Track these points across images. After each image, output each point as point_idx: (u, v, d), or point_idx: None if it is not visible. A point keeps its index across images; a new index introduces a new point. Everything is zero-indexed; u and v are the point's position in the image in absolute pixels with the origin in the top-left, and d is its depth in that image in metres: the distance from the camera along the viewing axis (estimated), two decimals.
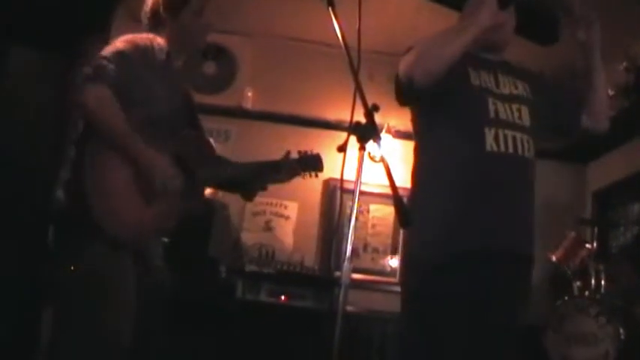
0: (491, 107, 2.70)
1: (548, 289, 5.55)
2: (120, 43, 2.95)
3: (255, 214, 5.90)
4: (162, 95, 3.05)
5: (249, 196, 3.51)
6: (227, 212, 5.62)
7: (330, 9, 2.50)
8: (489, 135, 2.65)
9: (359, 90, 2.31)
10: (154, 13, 3.14)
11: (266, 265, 5.36)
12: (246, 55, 6.25)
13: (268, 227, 5.89)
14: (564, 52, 5.53)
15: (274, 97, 6.14)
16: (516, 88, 2.83)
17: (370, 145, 2.27)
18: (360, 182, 2.30)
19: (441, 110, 2.76)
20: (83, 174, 2.83)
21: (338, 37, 2.39)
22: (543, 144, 2.87)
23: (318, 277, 5.40)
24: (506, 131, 2.68)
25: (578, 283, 4.69)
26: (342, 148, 2.24)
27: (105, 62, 2.86)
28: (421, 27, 5.63)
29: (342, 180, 2.46)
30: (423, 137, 2.87)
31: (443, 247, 2.57)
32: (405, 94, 2.76)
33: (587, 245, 4.75)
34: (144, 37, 3.04)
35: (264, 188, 3.48)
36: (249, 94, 6.11)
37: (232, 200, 5.42)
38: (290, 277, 5.20)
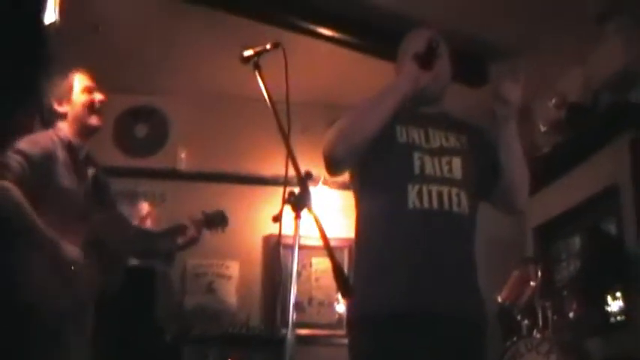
0: (417, 163, 2.65)
1: (496, 330, 5.53)
2: (21, 143, 3.11)
3: (197, 275, 5.79)
4: (69, 186, 3.20)
5: (167, 260, 3.71)
6: (168, 277, 5.52)
7: (256, 72, 2.53)
8: (412, 192, 2.60)
9: (291, 157, 2.30)
10: (51, 108, 3.34)
11: (211, 328, 5.25)
12: (177, 115, 6.21)
13: (211, 288, 5.77)
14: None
15: (208, 156, 6.08)
16: (447, 140, 2.76)
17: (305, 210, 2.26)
18: (298, 250, 2.27)
19: (369, 170, 2.71)
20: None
21: (267, 101, 2.42)
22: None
23: (264, 336, 5.30)
24: (432, 186, 2.62)
25: (526, 322, 4.67)
26: (277, 219, 2.23)
27: (8, 160, 3.02)
28: (354, 78, 5.68)
29: (279, 244, 2.43)
30: (356, 195, 2.82)
31: (370, 307, 2.49)
32: (332, 169, 2.71)
33: (532, 283, 4.75)
34: (44, 135, 3.25)
35: (178, 250, 3.77)
36: (183, 154, 6.04)
37: (173, 264, 5.32)
38: (236, 339, 5.14)
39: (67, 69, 3.44)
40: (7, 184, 2.98)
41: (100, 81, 5.79)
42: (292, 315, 2.21)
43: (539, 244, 5.99)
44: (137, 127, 6.18)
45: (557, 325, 4.47)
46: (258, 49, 2.58)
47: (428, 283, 2.52)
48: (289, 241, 2.31)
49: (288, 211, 2.27)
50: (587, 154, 5.14)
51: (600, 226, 5.13)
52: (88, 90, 3.41)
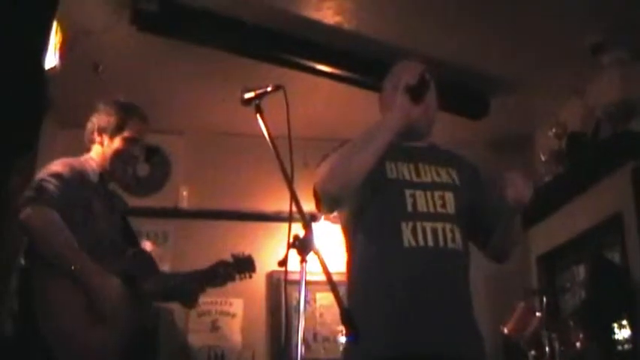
0: (409, 200, 2.61)
1: None
2: (55, 166, 3.07)
3: (201, 314, 5.74)
4: (101, 215, 3.15)
5: (190, 304, 3.67)
6: (172, 316, 5.49)
7: (258, 115, 2.49)
8: (406, 230, 2.56)
9: (295, 200, 2.26)
10: (97, 129, 3.31)
11: None
12: (178, 154, 6.21)
13: (215, 327, 5.73)
14: (493, 125, 5.69)
15: (210, 194, 6.08)
16: (438, 175, 2.73)
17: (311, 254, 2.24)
18: (304, 294, 2.25)
19: (361, 208, 2.68)
20: (34, 303, 2.84)
21: (269, 143, 2.39)
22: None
23: None
24: (425, 223, 2.58)
25: (532, 353, 4.64)
26: (282, 263, 2.21)
27: (44, 184, 2.95)
28: (352, 112, 5.70)
29: (285, 287, 2.39)
30: (348, 235, 2.78)
31: (372, 349, 2.41)
32: (324, 206, 2.69)
33: (538, 314, 4.73)
34: (77, 161, 3.19)
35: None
36: (185, 193, 6.04)
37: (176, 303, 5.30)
38: None
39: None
40: (46, 209, 2.91)
41: None
42: (301, 352, 2.21)
43: (543, 274, 5.97)
44: (138, 166, 6.18)
45: (564, 356, 4.44)
46: (259, 91, 2.53)
47: (429, 323, 2.47)
48: (293, 277, 2.31)
49: (292, 253, 2.25)
50: (589, 184, 5.14)
51: (605, 254, 5.11)
52: (132, 142, 3.35)
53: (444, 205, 2.65)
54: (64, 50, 4.15)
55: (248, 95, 2.55)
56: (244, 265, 3.73)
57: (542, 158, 5.42)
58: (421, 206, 2.61)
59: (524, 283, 5.88)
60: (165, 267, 5.69)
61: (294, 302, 5.14)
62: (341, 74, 4.95)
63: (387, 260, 2.57)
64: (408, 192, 2.63)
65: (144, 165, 6.17)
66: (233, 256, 3.71)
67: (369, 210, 2.65)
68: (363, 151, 2.56)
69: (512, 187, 2.58)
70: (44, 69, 3.67)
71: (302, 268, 2.23)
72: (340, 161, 2.61)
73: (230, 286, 5.71)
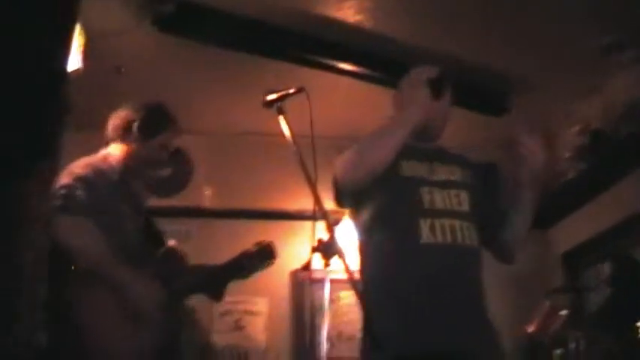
0: (426, 197, 2.65)
1: None
2: (78, 168, 2.99)
3: (224, 313, 5.75)
4: (129, 216, 3.11)
5: (217, 297, 3.54)
6: (195, 316, 5.49)
7: (280, 117, 2.52)
8: (425, 226, 2.58)
9: (319, 204, 2.27)
10: (127, 127, 3.19)
11: None
12: (200, 153, 6.22)
13: (238, 326, 5.73)
14: (514, 123, 5.65)
15: (232, 193, 6.08)
16: (453, 174, 2.78)
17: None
18: (329, 300, 2.27)
19: (377, 206, 2.70)
20: (72, 312, 2.80)
21: (291, 144, 2.45)
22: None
23: None
24: (443, 220, 2.61)
25: (557, 352, 4.61)
26: (306, 267, 2.23)
27: (72, 190, 2.87)
28: (372, 111, 5.67)
29: (310, 292, 2.42)
30: (364, 232, 2.79)
31: (388, 347, 2.34)
32: (342, 197, 2.73)
33: (562, 312, 4.70)
34: (97, 159, 3.11)
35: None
36: (207, 192, 6.05)
37: (199, 302, 5.30)
38: None
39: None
40: (76, 221, 2.83)
41: None
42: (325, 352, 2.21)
43: (567, 272, 5.92)
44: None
45: (589, 355, 4.41)
46: (281, 93, 2.57)
47: (445, 320, 2.49)
48: (317, 275, 2.31)
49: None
50: (613, 180, 5.10)
51: (630, 252, 5.06)
52: (166, 147, 3.33)
53: (459, 203, 2.69)
54: (87, 53, 4.17)
55: (270, 97, 2.58)
56: (266, 253, 3.59)
57: (566, 155, 5.38)
58: (439, 203, 2.65)
59: (547, 281, 5.85)
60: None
61: (319, 301, 5.15)
62: (361, 73, 4.94)
63: (405, 256, 2.59)
64: (424, 189, 2.66)
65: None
66: (255, 244, 3.62)
67: (386, 208, 2.67)
68: (383, 143, 2.60)
69: (526, 152, 2.70)
70: (66, 72, 3.70)
71: (326, 272, 2.24)
72: (360, 152, 2.65)
73: (254, 285, 5.75)
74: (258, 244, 3.59)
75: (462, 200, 2.70)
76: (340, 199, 2.74)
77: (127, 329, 2.89)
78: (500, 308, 5.76)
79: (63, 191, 2.88)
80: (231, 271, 3.52)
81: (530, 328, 4.81)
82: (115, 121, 3.28)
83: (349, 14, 4.51)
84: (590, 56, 4.76)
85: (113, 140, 3.24)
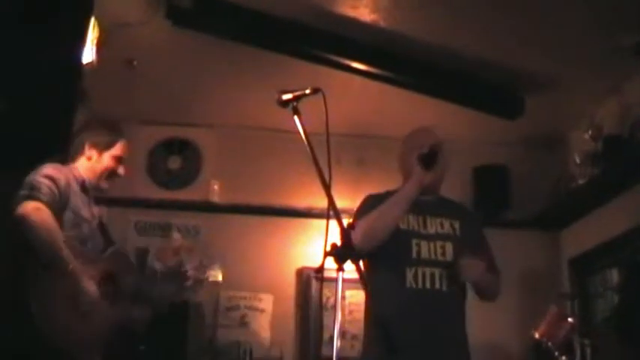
0: (414, 248, 3.21)
1: None
2: (47, 169, 3.24)
3: (230, 309, 5.75)
4: (86, 220, 3.37)
5: (159, 310, 3.84)
6: (201, 311, 5.50)
7: (295, 117, 2.57)
8: (409, 273, 3.16)
9: (333, 206, 2.40)
10: (82, 146, 3.53)
11: None
12: (210, 147, 6.22)
13: (243, 322, 5.72)
14: (528, 125, 5.63)
15: (241, 188, 6.07)
16: (442, 227, 3.32)
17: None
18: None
19: (377, 254, 3.17)
20: (29, 294, 2.99)
21: (305, 144, 2.50)
22: None
23: None
24: (425, 269, 3.18)
25: (564, 358, 4.58)
26: (319, 271, 2.37)
27: (38, 183, 3.13)
28: (386, 110, 5.68)
29: (321, 291, 2.54)
30: (367, 274, 3.16)
31: None
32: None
33: (570, 319, 4.66)
34: (64, 168, 3.39)
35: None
36: (216, 186, 6.04)
37: (206, 297, 5.31)
38: None
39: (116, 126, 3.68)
40: (40, 204, 3.07)
41: (133, 113, 5.90)
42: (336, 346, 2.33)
43: (575, 277, 5.89)
44: (170, 159, 6.20)
45: None
46: (297, 93, 2.63)
47: (423, 351, 3.01)
48: (327, 274, 2.32)
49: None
50: (624, 187, 5.06)
51: (639, 260, 5.03)
52: (119, 160, 3.60)
53: (443, 254, 3.24)
54: (101, 45, 4.16)
55: (286, 97, 2.64)
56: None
57: (577, 160, 5.35)
58: (424, 254, 3.21)
59: (555, 286, 5.83)
60: (195, 261, 5.71)
61: (324, 299, 5.13)
62: (375, 72, 4.92)
63: (392, 297, 3.08)
64: (414, 241, 3.23)
65: (175, 158, 6.19)
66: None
67: (383, 255, 3.19)
68: (388, 217, 3.19)
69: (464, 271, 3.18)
70: (82, 65, 3.73)
71: (338, 276, 2.27)
72: (371, 225, 3.16)
73: (260, 281, 5.77)
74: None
75: (446, 251, 3.24)
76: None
77: (75, 316, 3.09)
78: (507, 312, 5.80)
79: (30, 184, 3.13)
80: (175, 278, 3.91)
81: (537, 334, 4.77)
82: (76, 140, 3.58)
83: (364, 13, 4.49)
84: (607, 58, 4.73)
85: (79, 156, 3.54)
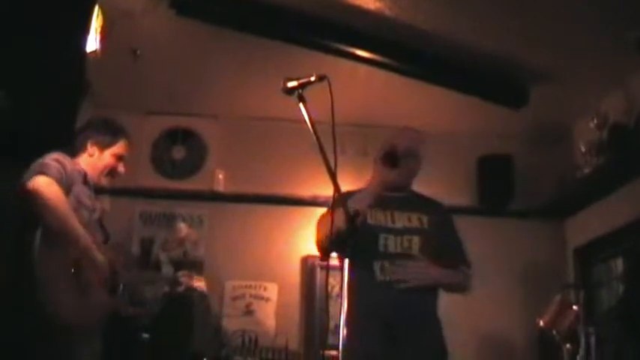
0: (382, 242, 3.32)
1: (537, 354, 5.45)
2: (53, 155, 3.32)
3: (235, 298, 5.76)
4: (87, 205, 3.45)
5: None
6: (207, 300, 5.50)
7: (300, 104, 2.57)
8: (377, 267, 3.27)
9: (339, 193, 2.46)
10: (85, 143, 3.63)
11: (250, 354, 5.19)
12: (214, 137, 6.22)
13: (249, 311, 5.74)
14: (533, 115, 5.62)
15: (246, 178, 6.07)
16: (410, 221, 3.43)
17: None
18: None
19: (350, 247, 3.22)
20: (34, 269, 3.04)
21: (311, 132, 2.52)
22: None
23: None
24: (393, 261, 3.28)
25: (568, 346, 4.58)
26: (324, 259, 2.44)
27: (48, 165, 3.21)
28: (391, 99, 5.67)
29: (326, 280, 2.60)
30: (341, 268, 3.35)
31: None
32: (323, 254, 3.37)
33: (575, 308, 4.66)
34: (69, 160, 3.44)
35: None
36: (220, 176, 6.04)
37: (211, 286, 5.31)
38: None
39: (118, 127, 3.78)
40: (52, 180, 3.14)
41: (137, 103, 5.90)
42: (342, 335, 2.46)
43: (579, 267, 5.89)
44: (175, 149, 6.20)
45: (601, 352, 4.38)
46: (302, 80, 2.62)
47: (393, 338, 3.15)
48: (332, 261, 2.33)
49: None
50: (630, 176, 5.04)
51: None
52: (119, 158, 3.72)
53: (410, 247, 3.35)
54: (105, 34, 4.16)
55: (291, 84, 2.64)
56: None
57: (582, 150, 5.34)
58: (391, 247, 3.32)
59: (560, 275, 5.82)
60: (200, 251, 5.73)
61: (329, 288, 5.12)
62: (381, 61, 4.90)
63: (362, 290, 2.99)
64: (382, 235, 3.34)
65: (180, 148, 6.19)
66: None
67: (355, 249, 3.13)
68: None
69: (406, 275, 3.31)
70: (84, 55, 3.73)
71: (343, 264, 2.31)
72: (323, 225, 3.30)
73: (265, 270, 5.78)
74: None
75: (412, 244, 3.35)
76: (323, 254, 3.38)
77: (76, 292, 3.17)
78: (512, 301, 5.80)
79: (39, 164, 3.20)
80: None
81: (542, 323, 4.77)
82: (80, 136, 3.68)
83: (369, 1, 4.47)
84: (613, 49, 4.71)
85: (81, 152, 3.64)
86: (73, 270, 3.18)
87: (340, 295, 2.75)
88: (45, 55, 2.81)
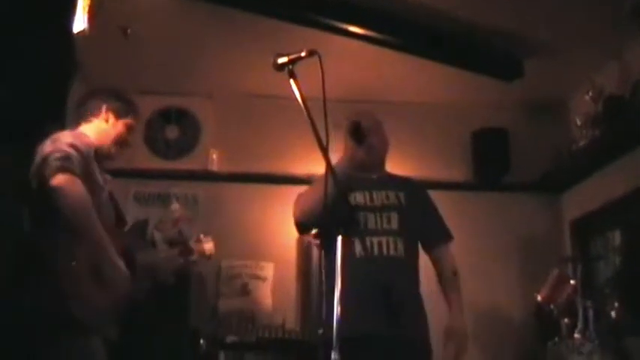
0: (361, 220, 3.42)
1: (535, 328, 5.45)
2: (69, 137, 3.22)
3: (231, 277, 5.75)
4: (102, 185, 3.36)
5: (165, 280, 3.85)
6: (203, 280, 5.49)
7: (291, 80, 2.55)
8: (358, 244, 3.35)
9: (331, 169, 2.48)
10: (97, 109, 3.52)
11: (247, 332, 5.19)
12: (208, 116, 6.18)
13: (245, 290, 5.72)
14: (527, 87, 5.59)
15: (240, 157, 6.04)
16: (388, 198, 3.52)
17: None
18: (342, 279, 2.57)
19: (327, 231, 3.23)
20: (59, 266, 3.02)
21: (302, 108, 2.50)
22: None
23: (301, 340, 5.18)
24: (373, 238, 3.39)
25: (566, 320, 4.58)
26: (317, 236, 2.48)
27: (68, 155, 3.10)
28: (384, 74, 5.63)
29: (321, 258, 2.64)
30: (322, 247, 3.37)
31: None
32: (300, 231, 3.69)
33: (572, 281, 4.66)
34: (77, 135, 3.35)
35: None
36: (214, 155, 6.01)
37: (207, 266, 5.29)
38: (272, 343, 5.06)
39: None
40: (74, 177, 3.07)
41: (130, 83, 5.85)
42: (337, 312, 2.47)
43: (576, 240, 5.88)
44: (168, 129, 6.16)
45: (598, 325, 4.38)
46: (292, 56, 2.60)
47: (376, 310, 3.18)
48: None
49: None
50: (625, 148, 5.02)
51: None
52: (132, 130, 3.64)
53: (389, 223, 3.45)
54: (93, 13, 4.10)
55: (281, 60, 2.63)
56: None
57: (578, 122, 5.32)
58: (371, 224, 3.42)
59: (557, 249, 5.82)
60: (194, 230, 5.70)
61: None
62: (372, 35, 4.87)
63: (344, 267, 3.01)
64: (361, 214, 3.45)
65: (173, 127, 6.16)
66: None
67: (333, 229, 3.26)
68: (315, 197, 3.21)
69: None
70: (72, 33, 3.67)
71: (338, 242, 2.32)
72: (305, 204, 3.51)
73: (261, 249, 5.76)
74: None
75: (392, 220, 3.45)
76: (300, 231, 3.68)
77: (97, 287, 3.10)
78: (509, 276, 5.80)
79: (60, 154, 3.09)
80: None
81: (539, 297, 4.77)
82: (83, 103, 3.58)
83: None
84: (610, 21, 4.67)
85: (94, 118, 3.51)
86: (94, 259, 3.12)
87: (332, 270, 2.75)
88: (30, 36, 2.76)
